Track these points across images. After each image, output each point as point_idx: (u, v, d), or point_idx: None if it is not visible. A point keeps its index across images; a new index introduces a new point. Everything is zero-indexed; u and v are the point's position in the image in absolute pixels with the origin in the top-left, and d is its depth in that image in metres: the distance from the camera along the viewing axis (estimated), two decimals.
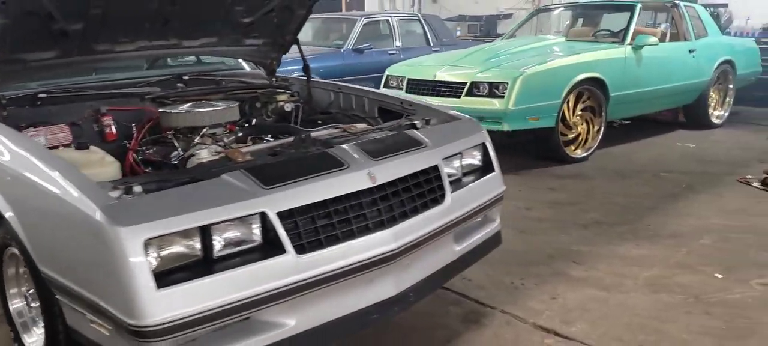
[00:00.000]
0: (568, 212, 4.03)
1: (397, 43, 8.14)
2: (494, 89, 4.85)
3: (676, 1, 6.48)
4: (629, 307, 2.68)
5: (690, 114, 6.91)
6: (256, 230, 1.63)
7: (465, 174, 2.35)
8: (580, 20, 6.88)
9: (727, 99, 7.08)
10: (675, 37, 6.50)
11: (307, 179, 1.74)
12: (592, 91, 5.35)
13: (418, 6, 13.15)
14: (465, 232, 2.31)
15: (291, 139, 2.10)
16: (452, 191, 2.17)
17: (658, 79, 5.93)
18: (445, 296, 2.77)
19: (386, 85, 5.72)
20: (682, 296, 2.77)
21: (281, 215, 1.64)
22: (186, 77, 2.76)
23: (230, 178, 1.65)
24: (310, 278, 1.65)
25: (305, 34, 8.63)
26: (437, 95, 5.14)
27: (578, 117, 5.35)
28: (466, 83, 4.99)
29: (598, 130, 5.50)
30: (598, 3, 6.70)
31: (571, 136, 5.34)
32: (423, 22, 8.58)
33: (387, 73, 5.80)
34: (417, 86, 5.35)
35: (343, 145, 1.96)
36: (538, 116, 4.95)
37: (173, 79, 2.72)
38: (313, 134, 2.15)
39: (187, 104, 2.40)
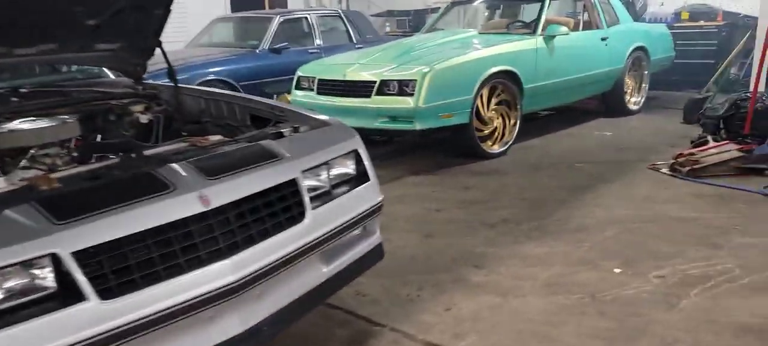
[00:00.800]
0: (479, 211, 3.92)
1: (318, 42, 7.90)
2: (404, 87, 4.70)
3: None
4: (523, 313, 2.55)
5: (608, 102, 6.97)
6: (48, 275, 1.38)
7: (335, 186, 2.15)
8: (498, 12, 6.83)
9: (643, 85, 7.19)
10: (588, 26, 6.53)
11: (117, 208, 1.49)
12: (505, 85, 5.28)
13: (345, 2, 12.91)
14: (337, 250, 2.12)
15: (117, 159, 1.84)
16: (316, 207, 1.97)
17: (571, 69, 5.92)
18: (332, 317, 2.58)
19: (298, 87, 5.49)
20: (579, 296, 2.67)
21: (79, 255, 1.39)
22: (24, 90, 2.45)
23: (13, 213, 1.39)
24: (120, 326, 1.42)
25: (221, 34, 8.35)
26: (348, 95, 4.96)
27: (493, 112, 5.26)
28: (375, 82, 4.82)
29: (515, 123, 5.43)
30: None
31: (487, 131, 5.25)
32: (345, 18, 8.38)
33: (298, 73, 5.57)
34: (328, 87, 5.15)
35: (174, 165, 1.72)
36: (450, 113, 4.83)
37: (7, 92, 2.41)
38: (152, 151, 1.90)
39: (16, 121, 2.11)
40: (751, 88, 4.96)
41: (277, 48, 7.35)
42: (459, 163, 5.09)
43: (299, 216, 1.90)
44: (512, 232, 3.51)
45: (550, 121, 6.79)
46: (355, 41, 8.15)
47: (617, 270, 2.92)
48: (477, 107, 5.07)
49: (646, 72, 7.12)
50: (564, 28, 5.67)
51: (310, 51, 7.62)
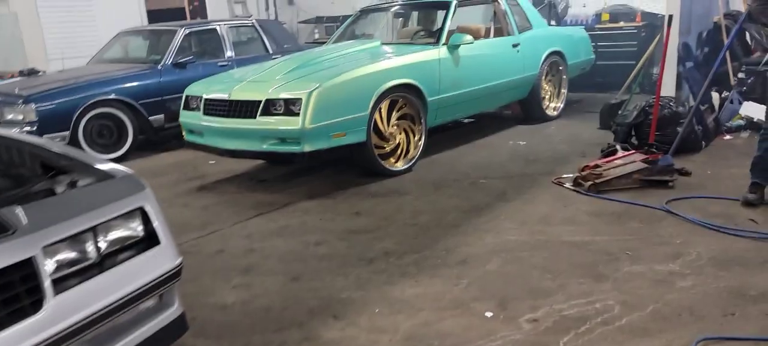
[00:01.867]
0: (362, 242, 3.59)
1: (229, 54, 7.48)
2: (290, 107, 4.33)
3: None
4: None
5: (526, 109, 6.78)
6: None
7: (111, 255, 1.77)
8: (412, 20, 6.53)
9: (562, 90, 7.02)
10: (500, 33, 6.32)
11: None
12: (407, 99, 4.98)
13: (273, 9, 12.47)
14: (112, 334, 1.73)
15: None
16: (67, 289, 1.59)
17: (480, 79, 5.68)
18: None
19: (186, 107, 5.06)
20: None
21: None
22: None
23: None
24: None
25: (126, 49, 7.81)
26: (234, 116, 4.56)
27: (395, 127, 4.96)
28: (260, 101, 4.43)
29: (419, 138, 5.14)
30: (415, 2, 6.36)
31: (389, 148, 4.94)
32: (259, 28, 7.96)
33: (185, 93, 5.13)
34: (214, 107, 4.73)
35: None
36: (344, 132, 4.49)
37: None
38: None
39: None
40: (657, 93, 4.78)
41: (182, 62, 6.91)
42: (359, 183, 4.77)
43: (33, 307, 1.51)
44: (389, 268, 3.19)
45: (468, 130, 6.55)
46: (271, 52, 7.76)
47: (489, 314, 2.63)
48: (375, 124, 4.76)
49: (564, 77, 6.96)
50: (468, 37, 5.41)
51: (220, 64, 7.19)
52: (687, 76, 5.37)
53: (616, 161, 4.62)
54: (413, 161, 5.08)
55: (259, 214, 4.20)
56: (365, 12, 6.53)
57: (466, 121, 6.85)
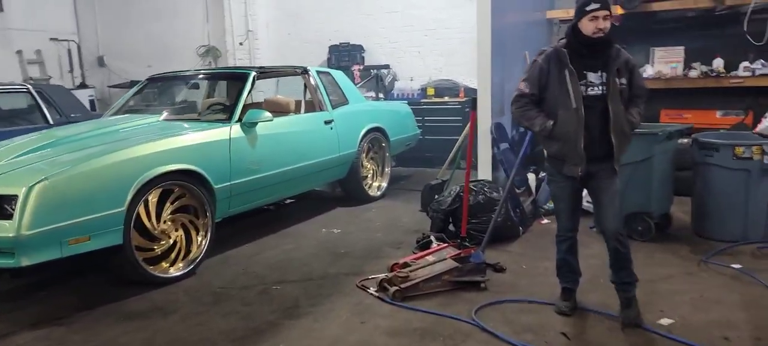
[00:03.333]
0: None
1: None
2: (4, 206, 3.23)
3: (308, 67, 5.71)
4: None
5: (346, 189, 6.18)
6: None
7: None
8: (214, 92, 5.68)
9: (386, 169, 6.54)
10: (312, 109, 5.71)
11: None
12: (185, 187, 4.08)
13: (80, 70, 10.96)
14: None
15: None
16: None
17: (285, 160, 4.96)
18: None
19: None
20: None
21: None
22: None
23: None
24: None
25: None
26: None
27: (169, 223, 4.01)
28: None
29: (205, 233, 4.23)
30: (209, 72, 5.57)
31: (160, 249, 3.97)
32: (35, 93, 6.64)
33: None
34: None
35: None
36: (87, 235, 3.46)
37: None
38: None
39: None
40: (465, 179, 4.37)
41: None
42: (119, 297, 3.73)
43: None
44: None
45: (277, 215, 5.76)
46: (52, 122, 6.46)
47: None
48: (140, 220, 3.79)
49: (387, 154, 6.50)
50: (266, 114, 4.69)
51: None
52: (502, 159, 5.10)
53: (427, 258, 4.07)
54: (195, 263, 4.14)
55: None
56: (154, 80, 5.58)
57: (288, 201, 6.08)
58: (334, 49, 9.14)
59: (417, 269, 3.88)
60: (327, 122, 5.55)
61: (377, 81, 8.57)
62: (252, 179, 4.61)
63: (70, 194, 3.36)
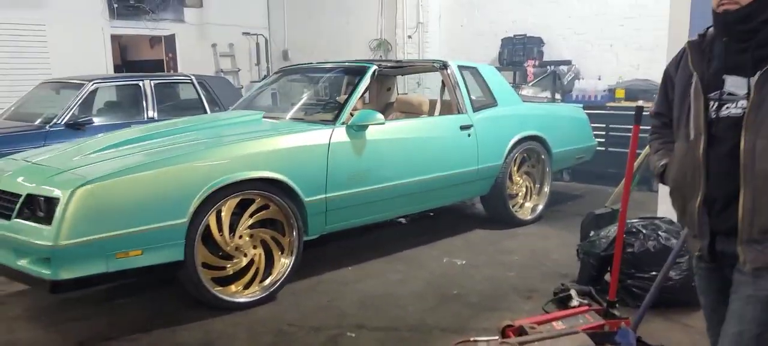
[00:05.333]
0: None
1: (151, 113, 6.30)
2: (49, 209, 2.93)
3: (447, 61, 4.79)
4: None
5: (488, 208, 5.16)
6: None
7: None
8: (332, 87, 5.10)
9: (544, 187, 5.34)
10: (449, 109, 4.80)
11: None
12: (269, 198, 3.50)
13: (266, 64, 11.40)
14: None
15: None
16: None
17: (400, 171, 4.13)
18: None
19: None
20: None
21: None
22: None
23: None
24: None
25: (38, 103, 6.79)
26: (8, 216, 3.18)
27: (247, 238, 3.47)
28: (21, 196, 3.07)
29: (290, 253, 3.62)
30: (330, 66, 4.91)
31: (233, 269, 3.45)
32: (197, 84, 6.79)
33: None
34: (3, 200, 3.33)
35: None
36: (138, 249, 3.04)
37: None
38: None
39: None
40: (619, 222, 3.08)
41: (80, 122, 5.76)
42: (177, 321, 3.28)
43: None
44: None
45: (399, 232, 4.97)
46: (209, 112, 6.56)
47: None
48: (210, 233, 3.30)
49: (547, 169, 5.30)
50: (378, 116, 3.90)
51: (133, 126, 6.00)
52: None
53: (555, 324, 2.93)
54: (274, 288, 3.55)
55: None
56: (286, 72, 5.15)
57: (404, 220, 5.28)
58: (507, 42, 8.03)
59: (533, 341, 2.78)
60: (464, 128, 4.59)
61: (554, 79, 7.28)
62: (355, 192, 3.88)
63: (118, 201, 2.96)
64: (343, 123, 3.90)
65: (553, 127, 5.30)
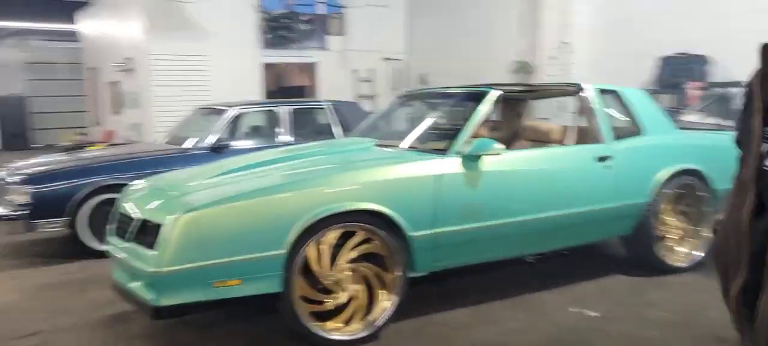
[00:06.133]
0: None
1: (286, 138, 6.52)
2: (156, 234, 3.00)
3: (583, 84, 4.27)
4: None
5: (632, 250, 4.50)
6: None
7: None
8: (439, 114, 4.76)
9: (703, 230, 4.54)
10: (584, 138, 4.27)
11: None
12: (372, 231, 3.31)
13: (405, 88, 11.41)
14: None
15: None
16: None
17: (522, 207, 3.72)
18: None
19: (120, 227, 3.79)
20: None
21: None
22: None
23: None
24: None
25: (191, 127, 7.35)
26: (121, 237, 3.34)
27: (348, 272, 3.30)
28: (136, 220, 3.19)
29: (392, 292, 3.38)
30: (452, 91, 4.58)
31: (333, 304, 3.29)
32: (331, 111, 6.94)
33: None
34: (120, 222, 3.52)
35: None
36: (238, 279, 3.00)
37: None
38: None
39: None
40: None
41: (220, 146, 6.12)
42: None
43: None
44: None
45: (536, 271, 4.49)
46: (336, 137, 6.67)
47: None
48: (308, 265, 3.18)
49: (705, 209, 4.50)
50: (496, 146, 3.54)
51: (268, 149, 6.24)
52: None
53: None
54: (373, 327, 3.32)
55: None
56: (407, 98, 4.98)
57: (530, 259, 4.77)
58: (666, 62, 7.16)
59: None
60: (601, 159, 4.04)
61: (722, 103, 6.30)
62: (469, 228, 3.55)
63: (219, 229, 2.94)
64: (456, 153, 3.60)
65: (716, 160, 4.49)
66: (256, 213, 3.02)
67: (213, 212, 2.96)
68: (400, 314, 3.43)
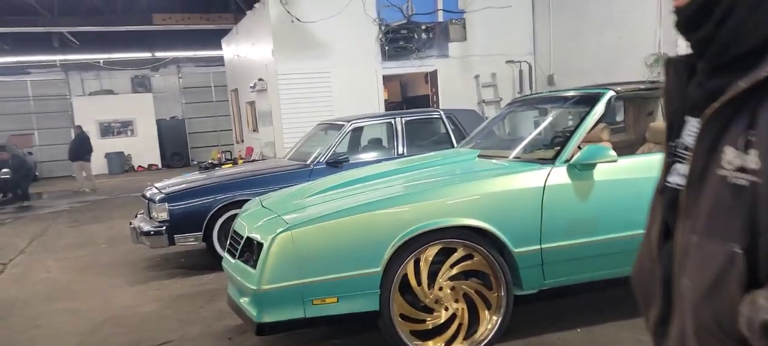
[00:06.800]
0: None
1: (401, 150, 6.56)
2: (258, 252, 3.12)
3: None
4: None
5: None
6: None
7: None
8: (549, 120, 4.44)
9: None
10: None
11: None
12: (473, 248, 3.18)
13: (530, 91, 10.98)
14: None
15: None
16: None
17: (639, 219, 3.33)
18: None
19: (232, 245, 3.65)
20: None
21: None
22: None
23: None
24: None
25: (311, 143, 7.64)
26: (233, 254, 3.52)
27: (447, 290, 3.20)
28: (244, 237, 3.35)
29: (498, 309, 3.22)
30: (560, 95, 4.25)
31: (433, 323, 3.20)
32: (445, 119, 6.87)
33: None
34: (232, 240, 3.71)
35: None
36: (334, 296, 3.03)
37: None
38: None
39: None
40: None
41: (338, 160, 6.29)
42: None
43: None
44: None
45: None
46: (455, 146, 6.58)
47: None
48: (407, 282, 3.14)
49: None
50: (610, 153, 3.25)
51: (384, 162, 6.32)
52: None
53: None
54: None
55: None
56: (517, 104, 4.75)
57: None
58: None
59: None
60: None
61: None
62: (580, 243, 3.28)
63: (315, 247, 3.00)
64: (565, 162, 3.35)
65: None
66: (351, 231, 3.04)
67: (307, 230, 3.02)
68: (507, 334, 3.27)
